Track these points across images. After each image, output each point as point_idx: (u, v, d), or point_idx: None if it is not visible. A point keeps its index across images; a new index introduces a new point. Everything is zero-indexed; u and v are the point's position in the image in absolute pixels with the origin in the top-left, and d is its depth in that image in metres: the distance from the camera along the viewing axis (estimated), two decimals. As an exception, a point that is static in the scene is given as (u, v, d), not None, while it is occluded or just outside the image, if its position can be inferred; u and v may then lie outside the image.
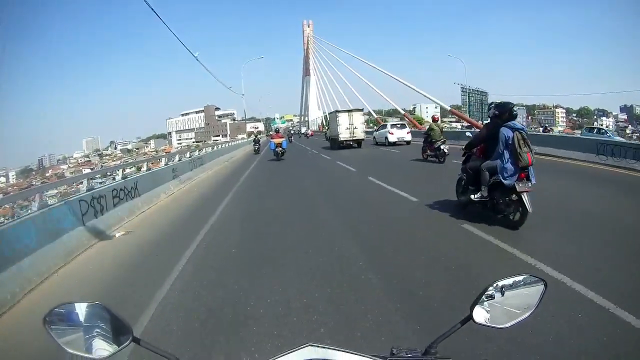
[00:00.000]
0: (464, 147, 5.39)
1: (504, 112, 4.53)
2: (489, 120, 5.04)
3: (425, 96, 26.56)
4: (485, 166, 4.68)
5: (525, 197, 4.22)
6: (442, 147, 11.22)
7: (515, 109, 4.68)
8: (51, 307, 0.76)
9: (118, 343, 0.77)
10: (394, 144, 19.88)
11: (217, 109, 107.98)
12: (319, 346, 0.67)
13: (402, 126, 21.66)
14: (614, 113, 67.55)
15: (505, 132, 4.38)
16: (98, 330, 0.77)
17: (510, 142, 4.29)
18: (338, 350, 0.67)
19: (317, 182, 9.49)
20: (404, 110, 36.98)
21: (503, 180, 4.35)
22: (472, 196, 4.84)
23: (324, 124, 48.72)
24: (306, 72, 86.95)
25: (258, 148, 22.92)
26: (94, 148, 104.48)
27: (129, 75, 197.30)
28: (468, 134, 6.77)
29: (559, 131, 33.23)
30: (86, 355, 0.76)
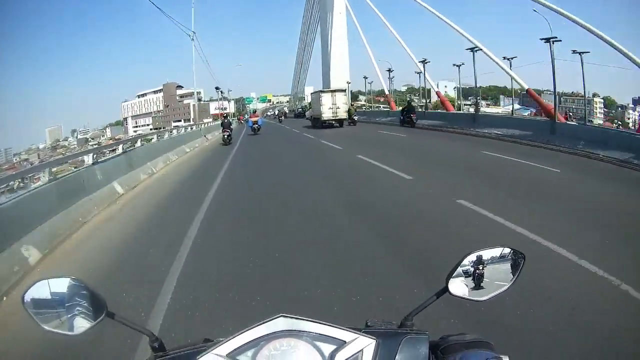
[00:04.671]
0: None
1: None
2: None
3: (513, 78, 18.82)
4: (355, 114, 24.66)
5: (355, 118, 23.13)
6: (354, 117, 22.86)
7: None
8: (28, 285, 0.77)
9: (93, 318, 0.77)
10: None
11: (179, 87, 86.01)
12: (291, 317, 0.67)
13: None
14: (630, 105, 62.41)
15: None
16: (74, 305, 0.78)
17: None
18: (311, 321, 0.67)
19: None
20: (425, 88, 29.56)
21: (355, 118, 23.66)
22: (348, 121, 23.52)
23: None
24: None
25: (229, 136, 16.30)
26: (56, 138, 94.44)
27: (97, 54, 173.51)
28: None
29: (598, 124, 26.10)
30: (62, 332, 0.76)
